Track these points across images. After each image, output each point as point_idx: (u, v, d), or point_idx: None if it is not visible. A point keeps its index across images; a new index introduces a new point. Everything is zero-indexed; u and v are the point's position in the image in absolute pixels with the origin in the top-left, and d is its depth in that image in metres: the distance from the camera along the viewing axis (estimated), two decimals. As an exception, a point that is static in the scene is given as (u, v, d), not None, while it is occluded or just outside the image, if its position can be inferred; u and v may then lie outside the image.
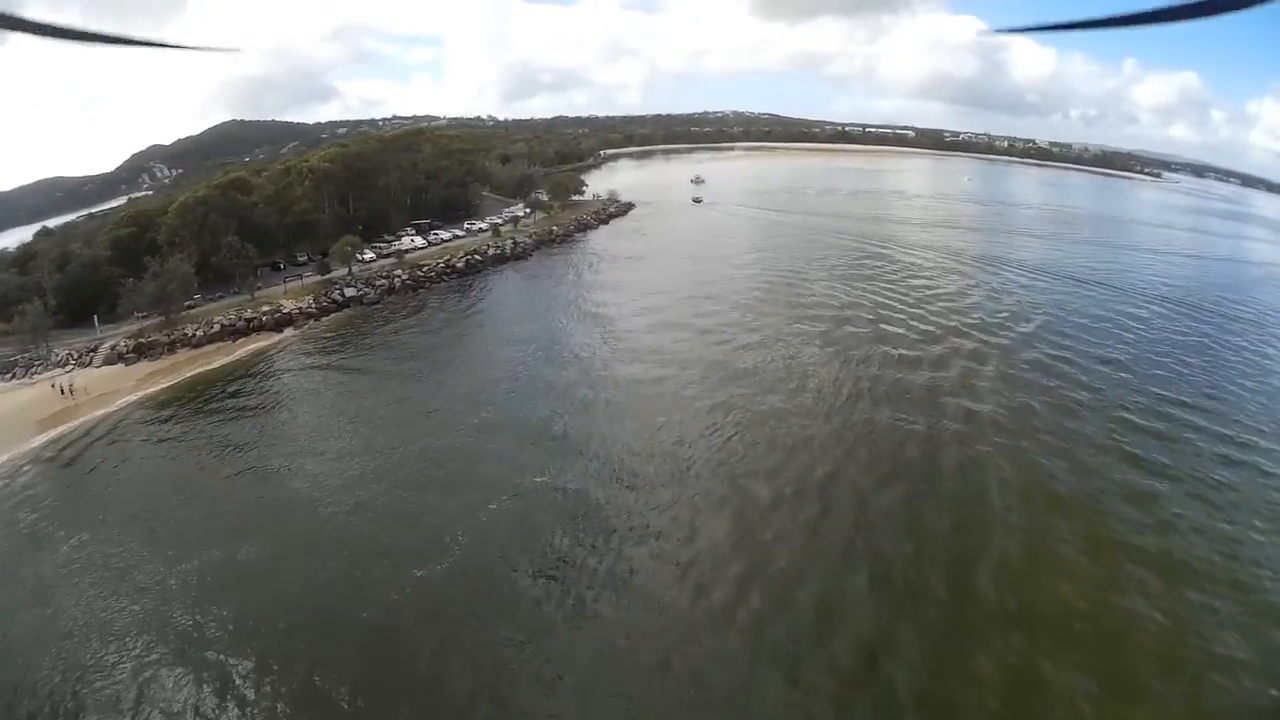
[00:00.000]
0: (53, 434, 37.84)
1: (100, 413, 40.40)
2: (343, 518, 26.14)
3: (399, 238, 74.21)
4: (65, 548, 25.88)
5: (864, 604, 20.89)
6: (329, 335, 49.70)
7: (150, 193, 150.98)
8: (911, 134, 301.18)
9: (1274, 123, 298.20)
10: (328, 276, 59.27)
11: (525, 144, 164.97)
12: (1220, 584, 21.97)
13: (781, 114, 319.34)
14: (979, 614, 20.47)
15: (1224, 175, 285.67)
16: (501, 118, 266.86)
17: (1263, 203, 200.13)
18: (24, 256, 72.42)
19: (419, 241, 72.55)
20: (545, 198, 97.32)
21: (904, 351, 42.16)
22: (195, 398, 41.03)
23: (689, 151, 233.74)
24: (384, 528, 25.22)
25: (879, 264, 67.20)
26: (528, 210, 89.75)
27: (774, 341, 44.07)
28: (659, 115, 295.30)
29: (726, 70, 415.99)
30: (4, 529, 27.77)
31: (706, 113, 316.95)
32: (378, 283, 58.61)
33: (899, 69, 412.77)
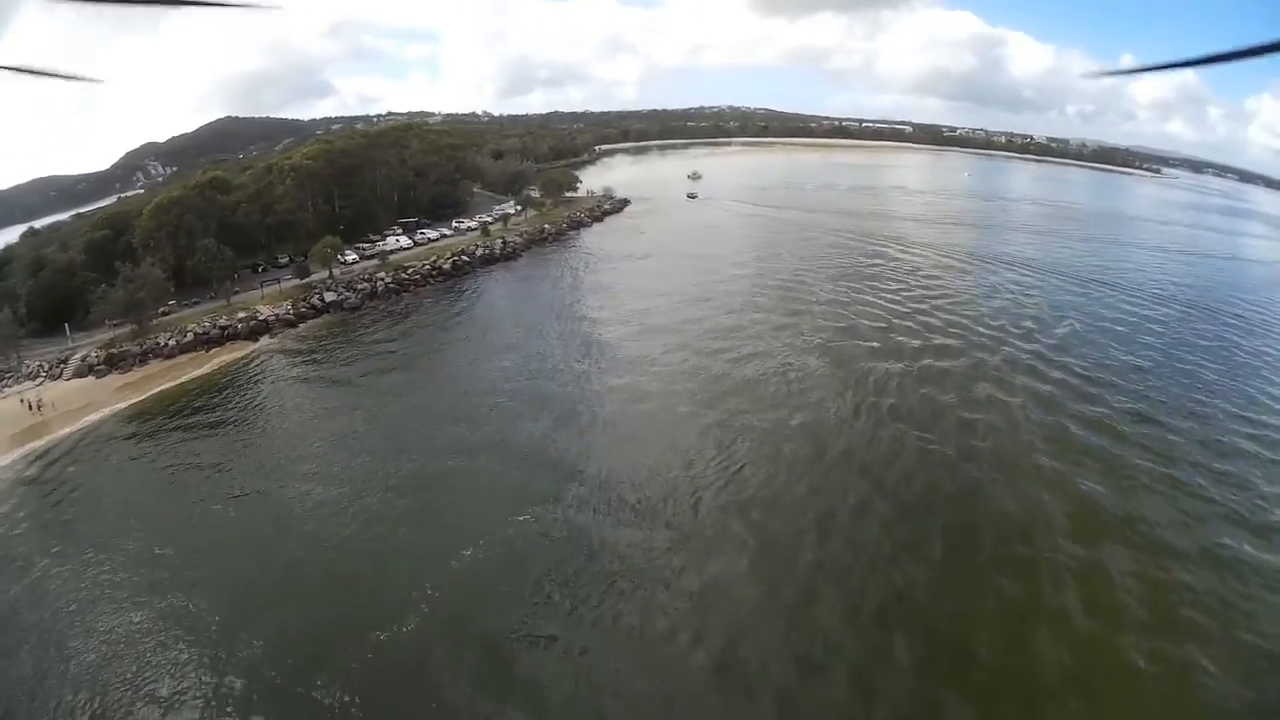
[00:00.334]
0: (15, 455, 35.71)
1: (67, 430, 38.25)
2: (308, 558, 23.61)
3: (384, 237, 71.48)
4: (16, 589, 23.77)
5: (906, 677, 18.38)
6: (306, 344, 47.05)
7: (142, 191, 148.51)
8: (909, 129, 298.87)
9: (1271, 119, 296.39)
10: (307, 280, 56.51)
11: (519, 139, 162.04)
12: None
13: (779, 109, 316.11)
14: (1035, 681, 18.14)
15: (1221, 171, 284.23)
16: (497, 113, 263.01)
17: (1262, 199, 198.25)
18: (0, 261, 69.64)
19: (404, 241, 69.72)
20: (538, 194, 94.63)
21: (919, 362, 39.56)
22: (163, 414, 38.71)
23: (686, 147, 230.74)
24: (353, 570, 22.70)
25: (883, 263, 64.75)
26: (519, 208, 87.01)
27: (779, 351, 41.49)
28: (655, 111, 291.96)
29: (724, 66, 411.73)
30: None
31: (703, 108, 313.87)
32: (359, 286, 55.85)
33: (897, 64, 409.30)
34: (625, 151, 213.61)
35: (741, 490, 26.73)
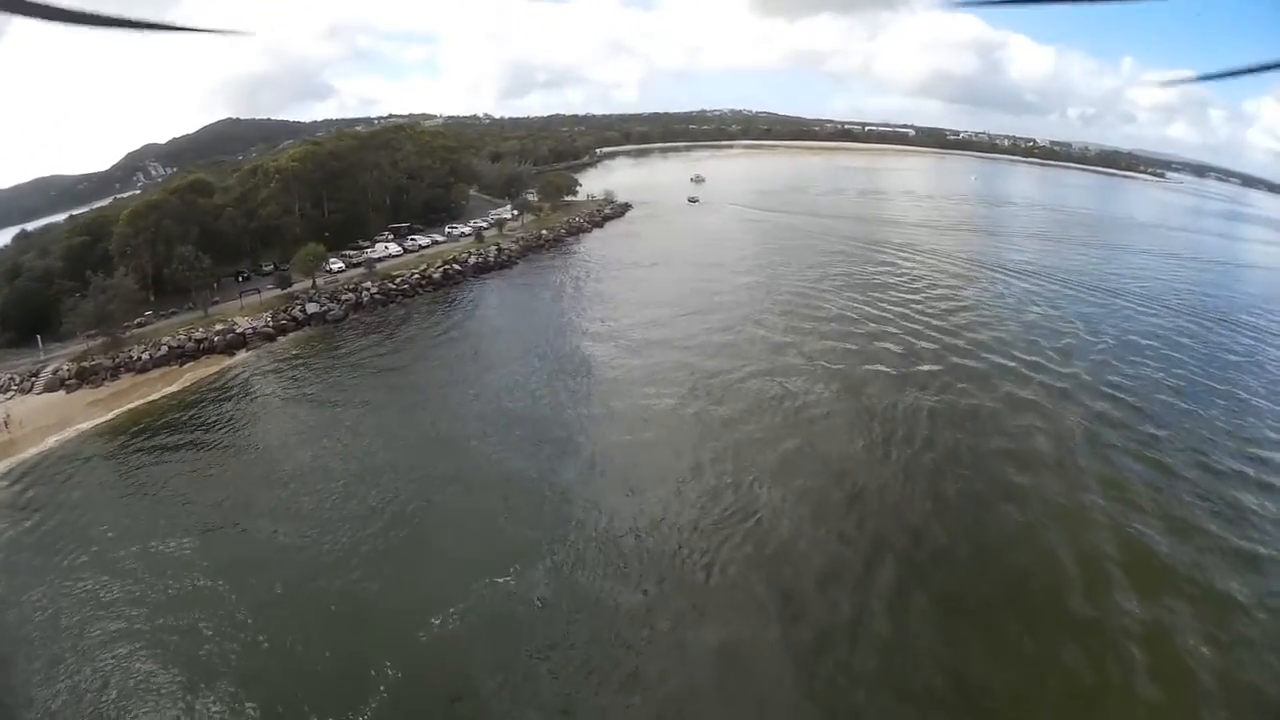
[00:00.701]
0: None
1: (33, 451, 35.89)
2: (263, 621, 20.72)
3: (373, 244, 68.57)
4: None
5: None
6: (284, 360, 44.13)
7: (139, 192, 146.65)
8: (912, 132, 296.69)
9: (1272, 122, 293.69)
10: (288, 290, 53.63)
11: (518, 141, 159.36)
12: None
13: (779, 112, 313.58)
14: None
15: (1224, 175, 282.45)
16: (498, 115, 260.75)
17: (1268, 204, 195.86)
18: (-17, 267, 66.87)
19: (394, 248, 66.47)
20: (535, 198, 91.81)
21: (945, 387, 36.11)
22: (128, 435, 36.21)
23: (688, 150, 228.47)
24: (310, 638, 19.77)
25: (896, 272, 61.76)
26: (515, 212, 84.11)
27: (790, 371, 38.38)
28: (656, 114, 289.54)
29: (724, 68, 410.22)
30: None
31: (704, 111, 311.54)
32: (343, 297, 52.75)
33: (897, 66, 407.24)
34: (626, 154, 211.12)
35: (757, 540, 23.67)
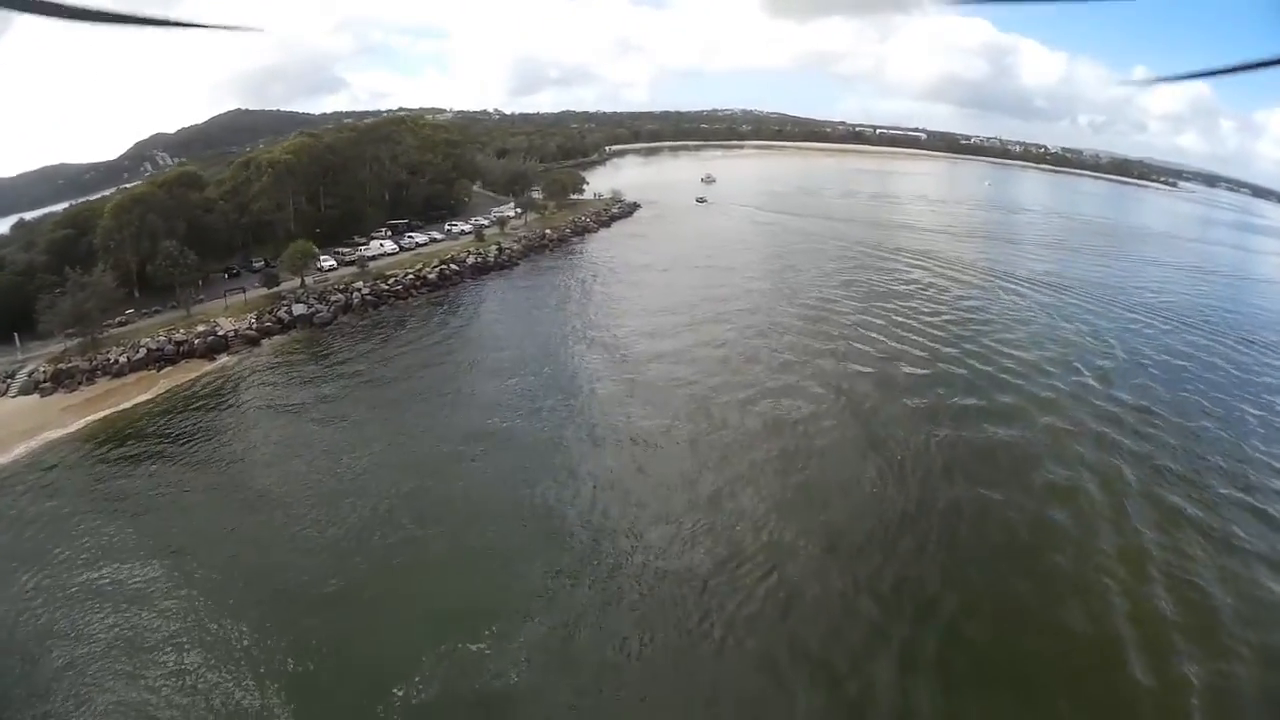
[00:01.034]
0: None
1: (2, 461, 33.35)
2: (208, 682, 18.12)
3: (368, 241, 65.84)
4: None
5: None
6: (266, 367, 41.39)
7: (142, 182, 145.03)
8: (923, 136, 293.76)
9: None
10: (276, 290, 50.89)
11: (526, 137, 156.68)
12: None
13: (790, 113, 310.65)
14: None
15: (1235, 185, 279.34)
16: (508, 112, 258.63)
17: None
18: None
19: (389, 246, 63.52)
20: (540, 196, 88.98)
21: (979, 421, 32.53)
22: (95, 444, 33.79)
23: (698, 149, 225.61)
24: (249, 707, 17.19)
25: (916, 285, 58.51)
26: (518, 211, 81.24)
27: (806, 393, 35.35)
28: (667, 112, 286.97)
29: (735, 68, 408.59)
30: None
31: (715, 110, 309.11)
32: (333, 298, 49.85)
33: (908, 69, 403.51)
34: (636, 152, 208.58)
35: (769, 594, 20.82)
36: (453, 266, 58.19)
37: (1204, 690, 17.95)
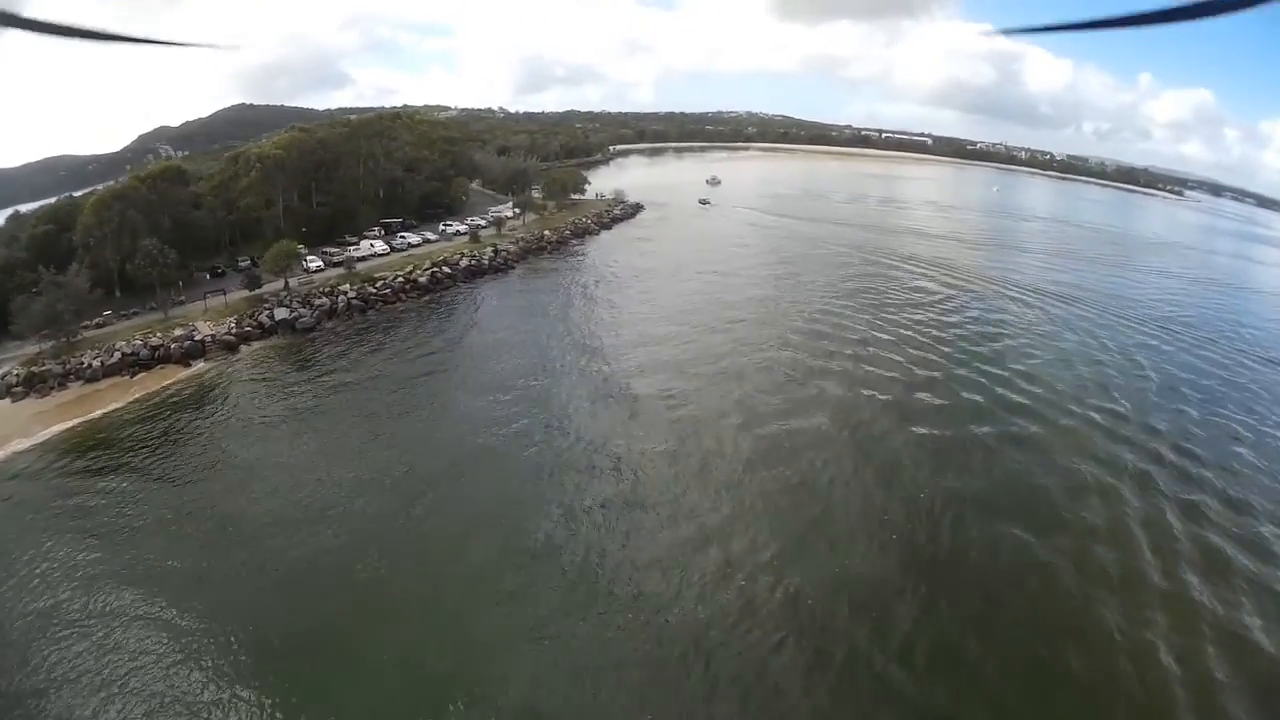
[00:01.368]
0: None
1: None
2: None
3: (359, 241, 63.50)
4: None
5: None
6: (242, 377, 38.99)
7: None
8: (930, 141, 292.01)
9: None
10: (258, 292, 48.65)
11: (529, 135, 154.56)
12: None
13: (796, 116, 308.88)
14: None
15: (1240, 195, 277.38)
16: (513, 110, 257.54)
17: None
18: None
19: (379, 247, 61.05)
20: (539, 196, 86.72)
21: (1005, 460, 29.38)
22: (58, 455, 31.89)
23: (702, 150, 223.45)
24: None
25: (929, 296, 55.97)
26: (516, 211, 78.96)
27: (820, 419, 32.72)
28: (672, 113, 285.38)
29: (742, 70, 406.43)
30: None
31: (721, 112, 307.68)
32: (317, 302, 47.41)
33: (914, 75, 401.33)
34: (640, 152, 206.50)
35: (798, 668, 18.37)
36: (445, 269, 55.72)
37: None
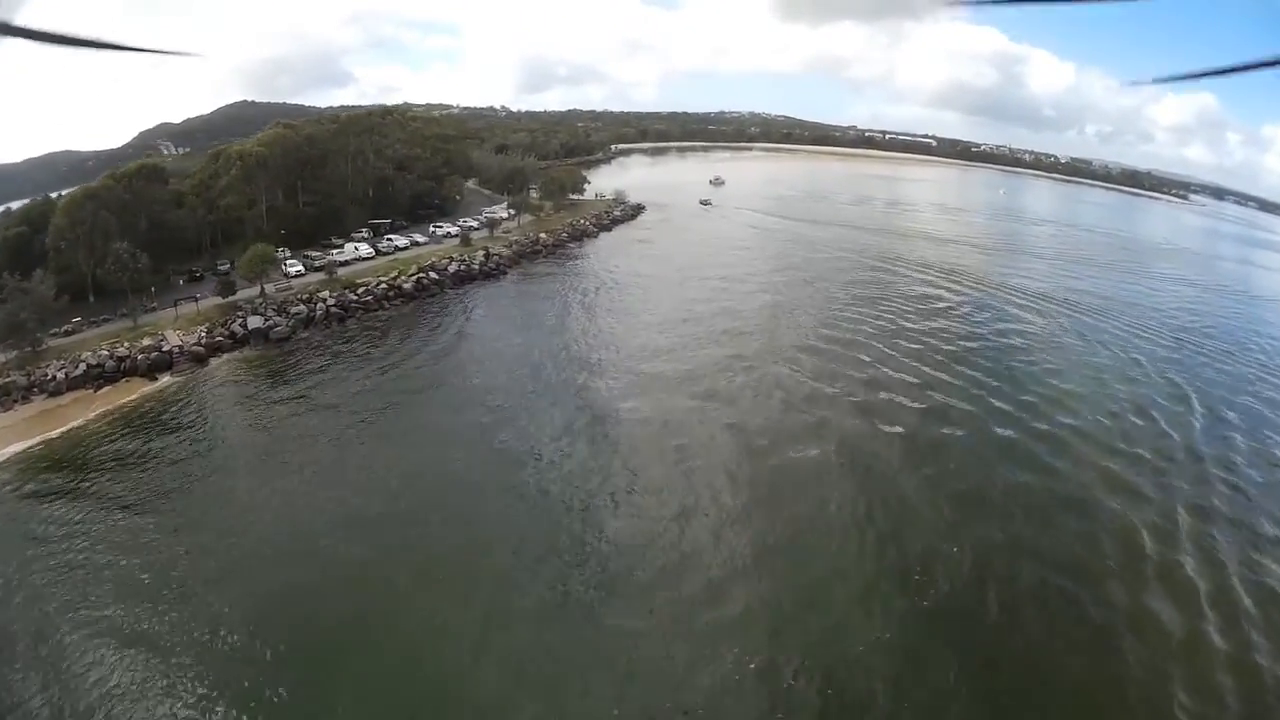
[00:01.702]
0: None
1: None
2: None
3: (342, 244, 60.66)
4: None
5: None
6: (209, 391, 36.30)
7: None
8: (934, 142, 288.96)
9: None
10: (232, 298, 45.95)
11: (528, 134, 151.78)
12: None
13: (799, 116, 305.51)
14: None
15: (1243, 199, 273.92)
16: (516, 109, 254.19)
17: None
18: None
19: (364, 250, 58.05)
20: (536, 196, 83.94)
21: (1037, 506, 26.16)
22: (14, 477, 29.44)
23: (705, 150, 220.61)
24: None
25: (945, 306, 53.17)
26: (511, 212, 76.18)
27: (835, 449, 29.85)
28: (675, 113, 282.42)
29: (744, 70, 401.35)
30: None
31: (723, 112, 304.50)
32: (294, 309, 44.65)
33: (918, 76, 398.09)
34: (642, 152, 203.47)
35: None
36: (432, 275, 52.83)
37: None
